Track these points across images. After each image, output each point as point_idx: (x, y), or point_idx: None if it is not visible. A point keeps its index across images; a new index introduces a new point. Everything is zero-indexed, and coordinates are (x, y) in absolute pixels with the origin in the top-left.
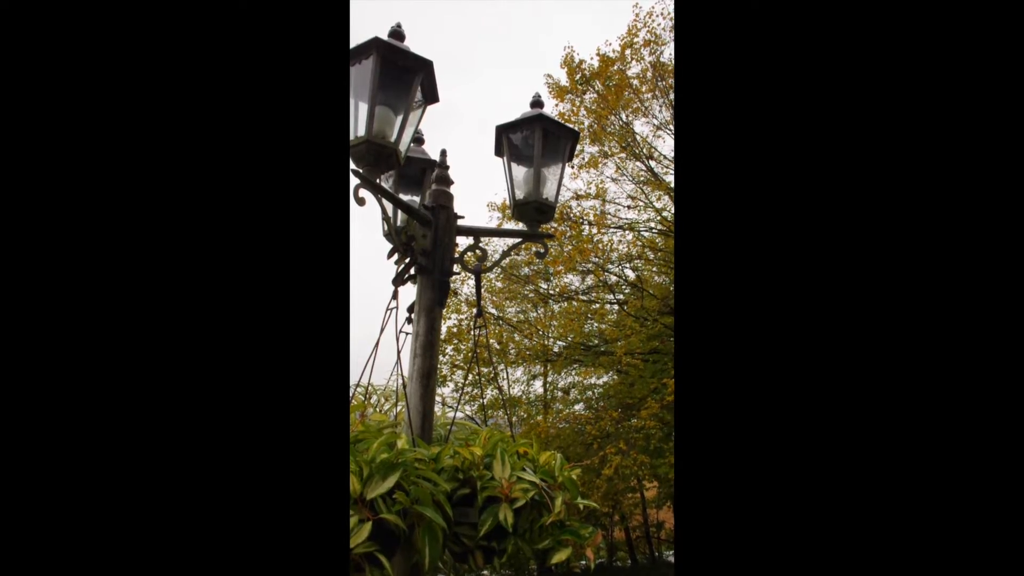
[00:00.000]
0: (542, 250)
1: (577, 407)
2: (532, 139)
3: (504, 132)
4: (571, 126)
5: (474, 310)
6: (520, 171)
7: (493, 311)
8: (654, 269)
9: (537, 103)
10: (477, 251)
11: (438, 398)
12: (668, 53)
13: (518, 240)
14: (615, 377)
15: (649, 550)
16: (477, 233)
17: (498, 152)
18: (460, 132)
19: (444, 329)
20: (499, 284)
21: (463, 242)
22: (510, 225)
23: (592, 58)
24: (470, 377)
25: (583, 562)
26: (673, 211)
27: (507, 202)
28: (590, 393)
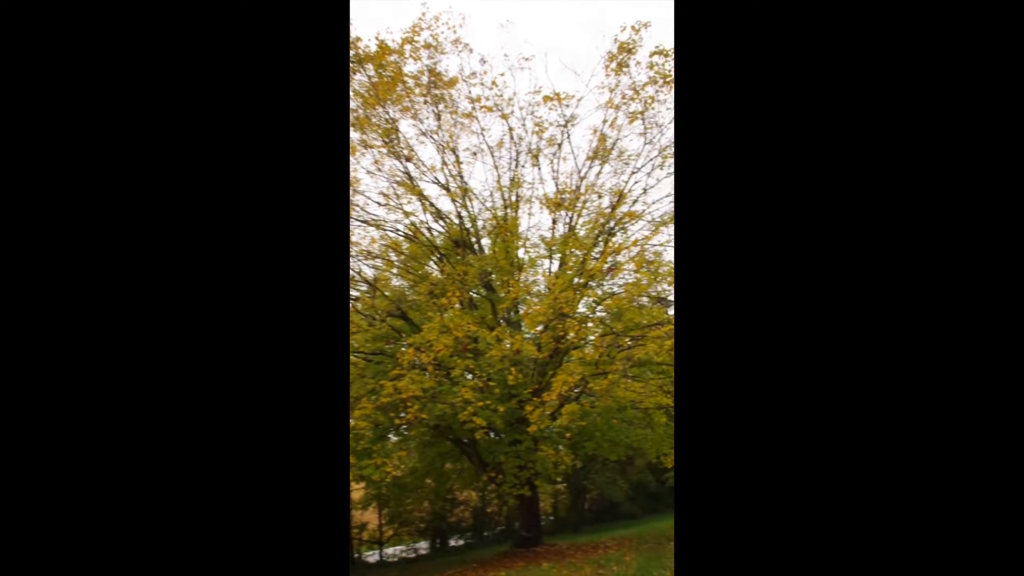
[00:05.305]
0: None
1: None
2: None
3: None
4: None
5: None
6: None
7: None
8: (394, 271)
9: None
10: None
11: None
12: (445, 64)
13: None
14: None
15: (350, 550)
16: None
17: None
18: None
19: None
20: None
21: None
22: None
23: (370, 40)
24: None
25: None
26: (421, 218)
27: None
28: None
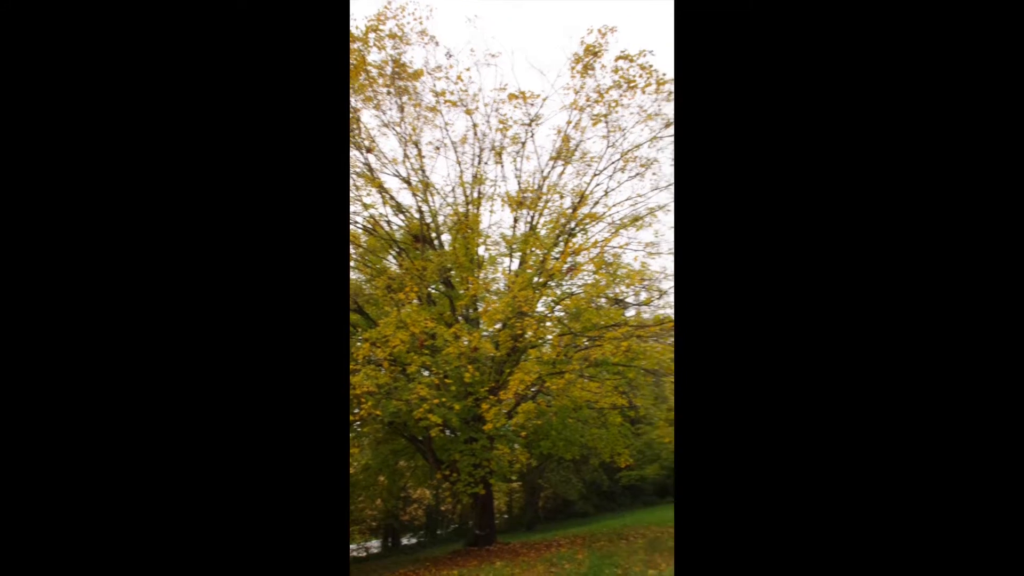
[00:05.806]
0: None
1: None
2: None
3: None
4: None
5: None
6: None
7: None
8: (351, 265)
9: None
10: None
11: None
12: (410, 55)
13: None
14: None
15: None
16: None
17: None
18: None
19: None
20: None
21: None
22: None
23: None
24: None
25: None
26: (381, 211)
27: None
28: None
